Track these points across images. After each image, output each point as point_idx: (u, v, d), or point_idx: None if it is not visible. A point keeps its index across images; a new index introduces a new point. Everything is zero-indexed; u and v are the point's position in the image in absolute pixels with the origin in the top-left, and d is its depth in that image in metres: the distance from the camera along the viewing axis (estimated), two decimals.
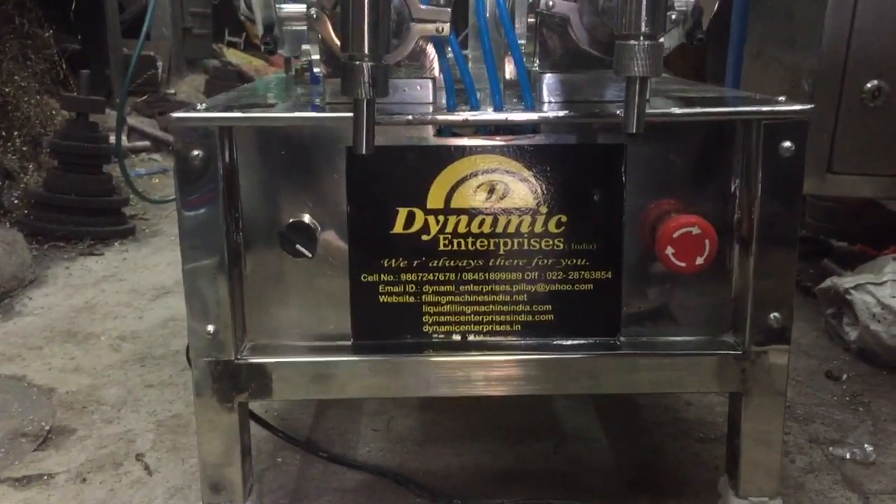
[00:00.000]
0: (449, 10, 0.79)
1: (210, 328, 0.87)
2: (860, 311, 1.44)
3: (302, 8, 0.88)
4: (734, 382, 0.90)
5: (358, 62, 0.69)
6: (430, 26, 0.79)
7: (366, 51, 0.69)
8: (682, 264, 0.84)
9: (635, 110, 0.71)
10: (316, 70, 0.91)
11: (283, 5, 0.92)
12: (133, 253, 2.09)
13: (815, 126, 1.49)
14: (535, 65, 0.89)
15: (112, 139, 2.29)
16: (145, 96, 3.70)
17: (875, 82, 1.44)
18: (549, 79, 0.89)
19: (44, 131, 2.36)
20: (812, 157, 1.50)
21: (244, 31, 6.52)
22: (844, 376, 1.40)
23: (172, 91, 3.95)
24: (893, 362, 1.41)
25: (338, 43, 0.80)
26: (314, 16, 0.79)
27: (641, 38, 0.69)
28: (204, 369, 0.88)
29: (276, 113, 0.85)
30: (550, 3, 0.80)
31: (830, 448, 1.16)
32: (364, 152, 0.73)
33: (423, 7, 0.78)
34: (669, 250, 0.84)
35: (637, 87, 0.70)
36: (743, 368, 0.89)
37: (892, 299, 1.40)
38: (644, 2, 0.68)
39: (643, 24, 0.68)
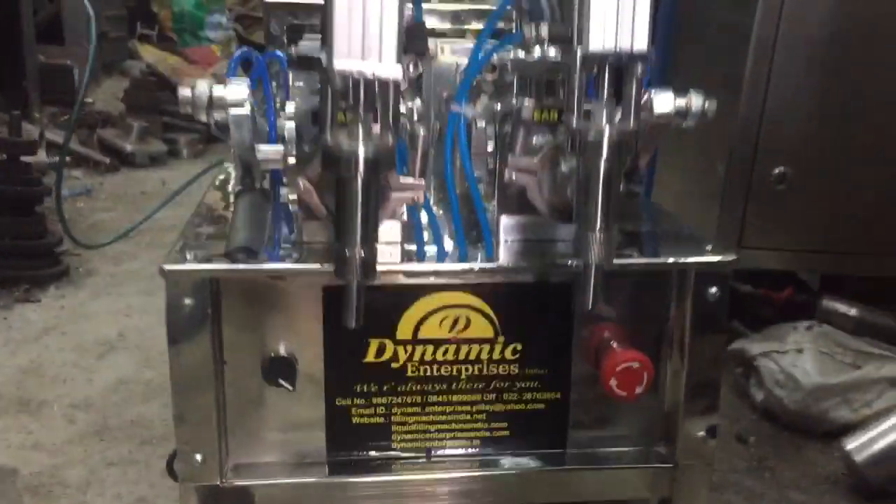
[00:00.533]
0: (423, 181, 0.88)
1: (198, 457, 0.94)
2: (765, 376, 1.60)
3: (279, 148, 0.95)
4: (665, 490, 1.03)
5: (350, 251, 0.78)
6: (408, 195, 0.87)
7: (358, 242, 0.77)
8: (624, 394, 0.96)
9: (591, 291, 0.81)
10: (292, 208, 0.98)
11: (262, 147, 0.99)
12: (70, 299, 2.10)
13: (728, 204, 1.64)
14: (494, 204, 0.99)
15: (45, 179, 2.30)
16: (67, 117, 3.63)
17: (781, 168, 1.60)
18: (505, 220, 0.99)
19: None
20: (725, 233, 1.66)
21: (156, 22, 6.39)
22: (752, 439, 1.55)
23: (90, 100, 3.88)
24: (794, 425, 1.57)
25: (323, 211, 0.88)
26: (301, 187, 0.87)
27: (598, 231, 0.79)
28: (191, 492, 0.96)
29: (266, 265, 0.92)
30: (512, 177, 0.89)
31: None
32: (355, 326, 0.82)
33: (400, 180, 0.87)
34: (613, 382, 0.96)
35: (593, 271, 0.81)
36: (673, 478, 1.02)
37: (794, 368, 1.56)
38: (600, 204, 0.78)
39: (599, 222, 0.79)
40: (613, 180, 0.77)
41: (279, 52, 1.07)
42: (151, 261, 2.43)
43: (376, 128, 0.74)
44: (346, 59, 0.70)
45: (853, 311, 1.61)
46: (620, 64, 0.74)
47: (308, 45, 0.98)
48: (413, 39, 0.75)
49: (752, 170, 1.61)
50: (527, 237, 0.99)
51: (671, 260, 0.98)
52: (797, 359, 1.58)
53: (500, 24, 1.05)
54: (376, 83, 0.71)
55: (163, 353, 1.71)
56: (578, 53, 0.74)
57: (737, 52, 1.59)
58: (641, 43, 0.74)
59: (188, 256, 0.92)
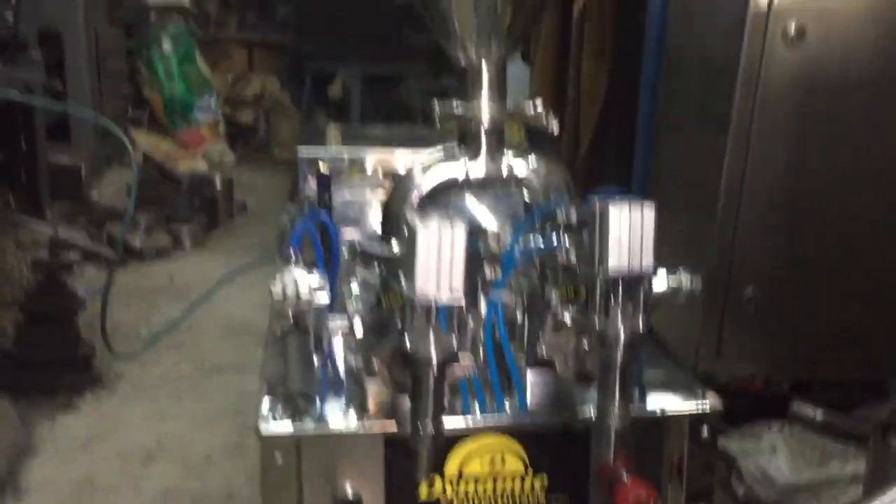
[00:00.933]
0: (470, 354, 1.09)
1: None
2: (745, 474, 1.82)
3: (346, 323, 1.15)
4: None
5: (423, 425, 0.98)
6: (459, 371, 1.08)
7: (429, 418, 0.98)
8: None
9: (611, 449, 1.03)
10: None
11: (333, 322, 1.18)
12: (106, 405, 2.28)
13: (706, 320, 1.87)
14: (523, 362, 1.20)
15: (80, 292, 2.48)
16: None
17: (750, 291, 1.83)
18: (533, 377, 1.20)
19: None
20: (704, 346, 1.88)
21: (148, 105, 6.61)
22: None
23: (96, 194, 4.07)
24: None
25: (391, 384, 1.08)
26: (376, 366, 1.07)
27: (615, 407, 1.01)
28: None
29: (345, 428, 1.11)
30: (544, 352, 1.11)
31: None
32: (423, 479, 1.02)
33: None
34: None
35: (613, 434, 1.02)
36: None
37: (769, 467, 1.78)
38: (619, 383, 1.00)
39: (616, 402, 1.00)
40: (628, 366, 0.99)
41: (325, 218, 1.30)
42: (173, 363, 2.61)
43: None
44: (425, 287, 0.91)
45: (819, 415, 1.82)
46: (632, 278, 0.97)
47: (368, 243, 1.19)
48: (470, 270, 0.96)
49: (727, 291, 1.84)
50: (551, 392, 1.20)
51: (671, 411, 1.19)
52: (772, 458, 1.80)
53: None
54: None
55: (200, 461, 1.94)
56: (600, 273, 0.96)
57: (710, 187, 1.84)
58: (648, 261, 0.96)
59: (278, 417, 1.12)
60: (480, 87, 1.13)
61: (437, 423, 0.99)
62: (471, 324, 1.07)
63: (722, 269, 1.83)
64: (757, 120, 1.74)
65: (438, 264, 0.91)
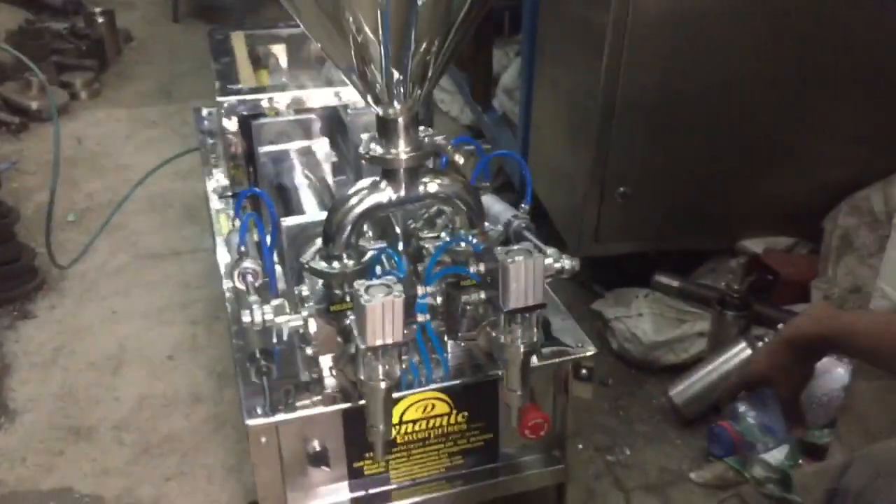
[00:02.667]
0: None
1: None
2: (618, 334, 2.26)
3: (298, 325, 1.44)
4: (561, 477, 1.67)
5: (376, 430, 1.31)
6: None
7: (381, 429, 1.31)
8: (533, 436, 1.56)
9: (515, 414, 1.39)
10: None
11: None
12: (60, 309, 2.51)
13: (586, 212, 2.21)
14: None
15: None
16: None
17: (622, 189, 2.16)
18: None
19: None
20: (585, 233, 2.24)
21: None
22: (610, 381, 2.22)
23: None
24: (638, 366, 2.25)
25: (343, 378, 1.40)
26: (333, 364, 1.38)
27: (518, 391, 1.36)
28: None
29: (311, 412, 1.44)
30: (460, 343, 1.43)
31: (606, 455, 1.99)
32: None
33: None
34: (527, 431, 1.56)
35: (516, 404, 1.38)
36: (564, 471, 1.66)
37: (636, 329, 2.22)
38: (521, 378, 1.34)
39: (520, 388, 1.35)
40: (526, 364, 1.33)
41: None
42: (109, 251, 2.82)
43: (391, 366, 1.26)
44: (372, 340, 1.21)
45: (676, 283, 2.24)
46: (527, 310, 1.28)
47: (314, 261, 1.44)
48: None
49: (603, 188, 2.17)
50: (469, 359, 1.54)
51: (561, 359, 1.55)
52: (639, 321, 2.24)
53: None
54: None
55: (162, 362, 2.27)
56: (503, 307, 1.27)
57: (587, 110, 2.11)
58: (539, 297, 1.27)
59: (262, 412, 1.43)
60: (397, 136, 1.35)
61: (387, 423, 1.32)
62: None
63: (598, 171, 2.14)
64: (628, 42, 1.97)
65: (383, 323, 1.20)
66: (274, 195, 1.94)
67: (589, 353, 1.57)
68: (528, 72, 2.59)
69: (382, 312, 1.21)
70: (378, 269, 1.43)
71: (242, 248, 1.56)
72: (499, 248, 1.31)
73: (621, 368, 2.27)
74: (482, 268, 1.34)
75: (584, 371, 1.56)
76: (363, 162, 1.41)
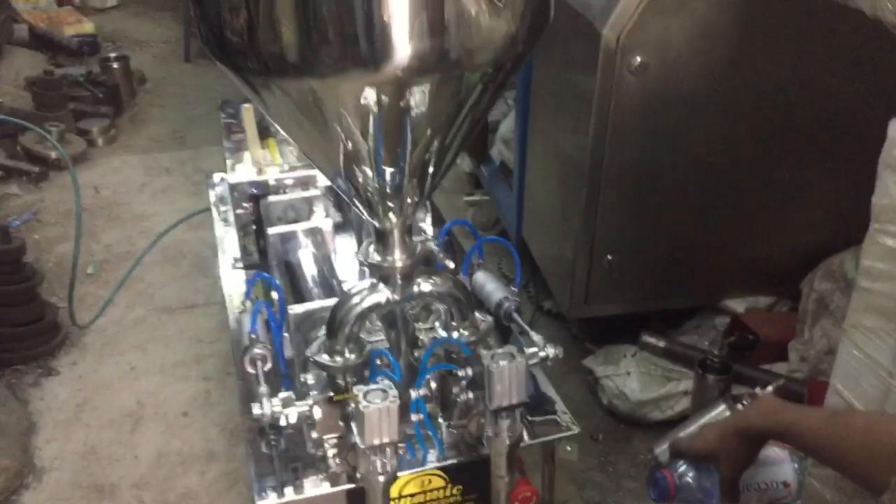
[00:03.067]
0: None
1: None
2: (607, 390, 2.39)
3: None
4: None
5: None
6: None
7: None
8: None
9: (502, 497, 1.53)
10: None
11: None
12: (81, 365, 2.66)
13: (576, 279, 2.35)
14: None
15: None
16: None
17: (609, 256, 2.30)
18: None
19: None
20: (575, 296, 2.37)
21: None
22: (600, 436, 2.36)
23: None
24: (627, 420, 2.38)
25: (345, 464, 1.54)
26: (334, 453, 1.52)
27: (506, 476, 1.49)
28: None
29: (316, 493, 1.58)
30: (453, 431, 1.57)
31: None
32: None
33: None
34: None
35: (504, 486, 1.52)
36: None
37: (625, 387, 2.35)
38: (507, 466, 1.48)
39: (507, 475, 1.49)
40: (513, 452, 1.47)
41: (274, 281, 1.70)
42: (126, 305, 2.97)
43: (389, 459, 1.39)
44: (371, 441, 1.34)
45: (661, 343, 2.37)
46: (511, 408, 1.42)
47: (319, 357, 1.58)
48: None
49: (591, 258, 2.30)
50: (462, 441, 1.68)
51: (547, 438, 1.68)
52: (627, 380, 2.37)
53: None
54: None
55: (177, 419, 2.41)
56: (490, 405, 1.41)
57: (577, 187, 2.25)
58: (522, 396, 1.41)
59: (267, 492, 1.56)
60: (392, 245, 1.49)
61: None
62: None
63: (586, 243, 2.28)
64: (610, 130, 2.11)
65: (380, 426, 1.34)
66: (281, 271, 2.09)
67: (575, 431, 1.70)
68: (522, 130, 2.72)
69: (379, 416, 1.35)
70: (378, 361, 1.57)
71: (253, 336, 1.70)
72: (484, 351, 1.44)
73: (611, 423, 2.40)
74: (469, 371, 1.48)
75: (568, 448, 1.69)
76: (361, 265, 1.54)
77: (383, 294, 1.53)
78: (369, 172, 1.37)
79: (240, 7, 1.16)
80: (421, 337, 1.63)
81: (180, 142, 4.26)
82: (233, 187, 2.18)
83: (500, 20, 1.19)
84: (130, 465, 2.28)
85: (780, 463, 1.55)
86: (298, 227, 2.12)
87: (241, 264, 2.29)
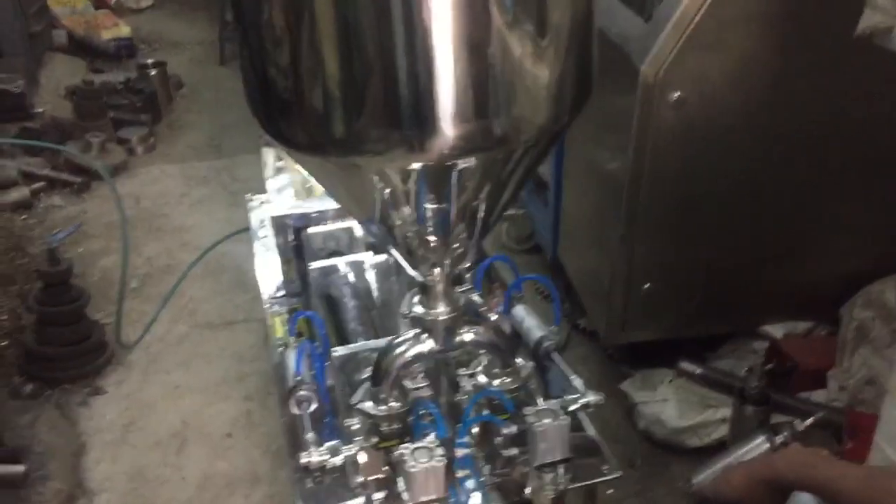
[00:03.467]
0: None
1: None
2: (644, 416, 2.41)
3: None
4: None
5: None
6: None
7: None
8: None
9: None
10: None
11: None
12: (127, 384, 2.73)
13: (611, 307, 2.36)
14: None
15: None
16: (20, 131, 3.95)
17: (647, 285, 2.31)
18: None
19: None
20: (613, 322, 2.39)
21: None
22: (638, 462, 2.38)
23: (40, 109, 4.20)
24: (664, 446, 2.40)
25: None
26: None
27: None
28: None
29: None
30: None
31: None
32: None
33: None
34: None
35: None
36: None
37: (662, 414, 2.36)
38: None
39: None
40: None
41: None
42: (169, 321, 3.04)
43: None
44: (419, 497, 1.38)
45: (698, 370, 2.38)
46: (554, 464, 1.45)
47: (364, 405, 1.61)
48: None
49: (629, 287, 2.32)
50: None
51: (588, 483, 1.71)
52: (664, 406, 2.38)
53: None
54: None
55: (222, 440, 2.47)
56: (532, 464, 1.44)
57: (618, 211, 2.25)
58: (565, 452, 1.44)
59: None
60: (436, 299, 1.52)
61: None
62: None
63: (624, 271, 2.29)
64: (649, 160, 2.12)
65: (426, 484, 1.38)
66: (322, 304, 2.13)
67: (618, 475, 1.72)
68: (559, 150, 2.72)
69: (426, 476, 1.38)
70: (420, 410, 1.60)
71: (298, 377, 1.74)
72: (528, 409, 1.47)
73: (648, 449, 2.42)
74: (514, 429, 1.51)
75: (610, 491, 1.72)
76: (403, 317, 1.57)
77: (427, 345, 1.56)
78: (411, 231, 1.39)
79: (284, 80, 1.18)
80: (463, 384, 1.66)
81: (216, 150, 4.31)
82: (273, 219, 2.22)
83: (545, 98, 1.21)
84: (178, 488, 2.34)
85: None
86: (339, 261, 2.15)
87: (282, 294, 2.33)
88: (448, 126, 1.15)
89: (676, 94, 2.01)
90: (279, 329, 2.21)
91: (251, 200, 2.77)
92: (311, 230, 2.22)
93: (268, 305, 2.29)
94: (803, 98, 2.07)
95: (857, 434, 2.12)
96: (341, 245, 2.24)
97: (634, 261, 2.28)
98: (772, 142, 2.14)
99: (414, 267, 1.51)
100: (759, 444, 2.15)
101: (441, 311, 1.53)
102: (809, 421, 2.09)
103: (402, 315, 1.57)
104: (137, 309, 3.09)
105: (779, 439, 2.12)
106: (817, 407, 2.22)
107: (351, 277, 2.13)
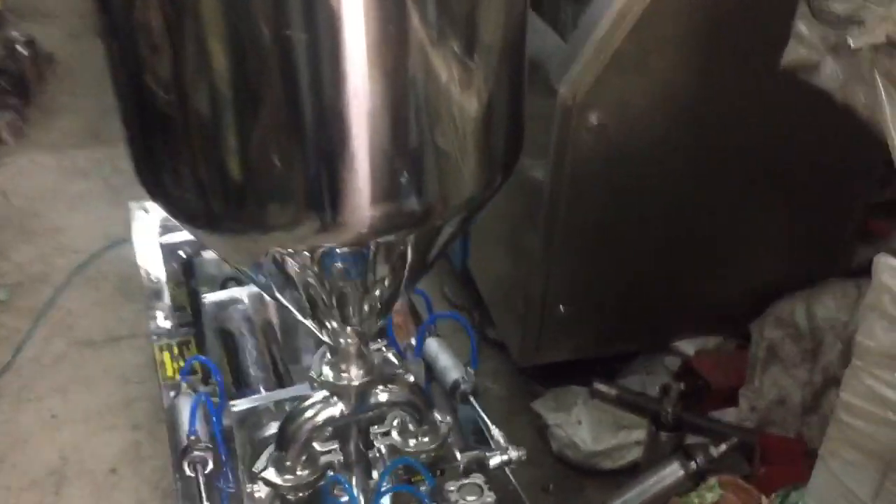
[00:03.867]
0: None
1: None
2: (557, 438, 2.34)
3: None
4: None
5: None
6: None
7: None
8: None
9: None
10: None
11: None
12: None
13: (527, 328, 2.28)
14: None
15: None
16: None
17: (562, 307, 2.23)
18: None
19: None
20: (526, 344, 2.31)
21: None
22: (551, 486, 2.31)
23: None
24: (578, 468, 2.34)
25: None
26: None
27: None
28: None
29: None
30: None
31: None
32: None
33: None
34: None
35: None
36: None
37: (576, 437, 2.30)
38: None
39: None
40: None
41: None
42: (43, 338, 2.77)
43: None
44: None
45: (613, 391, 2.32)
46: None
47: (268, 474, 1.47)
48: None
49: (544, 308, 2.23)
50: None
51: None
52: (578, 429, 2.32)
53: None
54: None
55: (105, 477, 2.29)
56: None
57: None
58: None
59: None
60: (349, 363, 1.38)
61: None
62: None
63: (539, 294, 2.20)
64: (567, 186, 2.02)
65: None
66: (217, 340, 1.95)
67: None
68: None
69: None
70: (329, 472, 1.47)
71: (192, 437, 1.59)
72: (450, 483, 1.36)
73: (561, 471, 2.36)
74: None
75: None
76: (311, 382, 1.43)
77: (337, 408, 1.42)
78: (319, 307, 1.25)
79: (180, 149, 1.01)
80: (377, 444, 1.53)
81: (95, 137, 3.97)
82: (163, 246, 2.02)
83: (473, 167, 1.08)
84: None
85: None
86: (236, 292, 1.98)
87: (170, 322, 2.15)
88: (364, 208, 1.00)
89: (596, 118, 1.91)
90: (168, 366, 2.03)
91: (137, 209, 2.55)
92: (204, 254, 2.03)
93: (155, 337, 2.10)
94: (722, 118, 2.01)
95: (770, 459, 2.12)
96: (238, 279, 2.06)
97: (550, 283, 2.19)
98: (689, 163, 2.08)
99: (323, 334, 1.37)
100: (673, 472, 2.12)
101: (354, 375, 1.40)
102: (723, 448, 2.07)
103: (310, 379, 1.43)
104: (7, 325, 2.82)
105: (692, 465, 2.09)
106: (730, 428, 2.20)
107: (249, 310, 1.95)
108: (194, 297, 2.02)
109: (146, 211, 2.51)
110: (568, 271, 2.18)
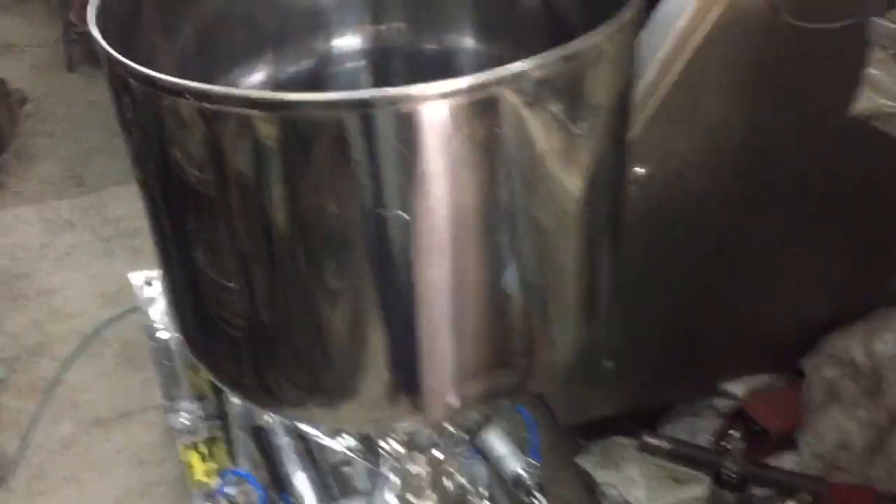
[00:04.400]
0: None
1: None
2: (610, 498, 2.21)
3: None
4: None
5: None
6: None
7: None
8: None
9: None
10: None
11: None
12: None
13: (571, 386, 2.14)
14: None
15: None
16: None
17: (606, 363, 2.09)
18: None
19: None
20: (572, 404, 2.18)
21: None
22: None
23: None
24: None
25: None
26: None
27: None
28: None
29: None
30: None
31: None
32: None
33: None
34: None
35: None
36: None
37: (630, 496, 2.17)
38: None
39: None
40: None
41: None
42: (50, 419, 2.61)
43: None
44: None
45: (665, 444, 2.19)
46: None
47: None
48: None
49: (587, 364, 2.09)
50: None
51: None
52: (631, 487, 2.19)
53: None
54: None
55: None
56: None
57: None
58: None
59: None
60: (420, 491, 1.24)
61: None
62: None
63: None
64: None
65: None
66: (249, 438, 1.80)
67: None
68: None
69: None
70: None
71: None
72: None
73: None
74: None
75: None
76: None
77: None
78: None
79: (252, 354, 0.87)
80: None
81: (78, 182, 3.77)
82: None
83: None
84: None
85: None
86: None
87: (192, 414, 1.99)
88: (449, 387, 0.88)
89: (643, 169, 1.77)
90: (198, 468, 1.88)
91: (140, 282, 2.39)
92: None
93: (178, 435, 1.95)
94: (770, 162, 1.89)
95: None
96: None
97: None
98: (736, 208, 1.95)
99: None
100: None
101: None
102: None
103: None
104: (8, 406, 2.64)
105: None
106: (798, 478, 2.09)
107: None
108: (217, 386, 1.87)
109: (149, 284, 2.35)
110: (611, 327, 2.04)
